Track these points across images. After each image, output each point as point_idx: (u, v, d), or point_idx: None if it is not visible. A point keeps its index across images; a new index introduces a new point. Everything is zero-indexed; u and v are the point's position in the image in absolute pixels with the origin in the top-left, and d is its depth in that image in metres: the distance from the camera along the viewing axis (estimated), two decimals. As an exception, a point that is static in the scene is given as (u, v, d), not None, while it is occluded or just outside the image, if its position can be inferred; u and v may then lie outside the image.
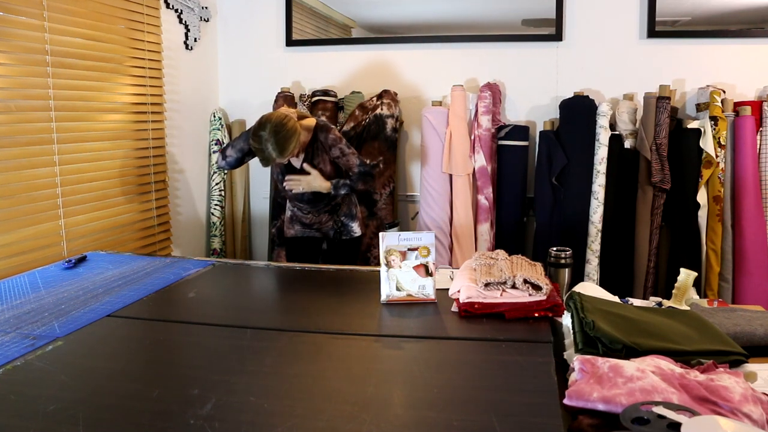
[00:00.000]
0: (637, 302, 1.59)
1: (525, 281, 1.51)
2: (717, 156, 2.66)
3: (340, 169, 2.42)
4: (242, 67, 3.39)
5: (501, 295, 1.50)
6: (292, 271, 2.03)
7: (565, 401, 1.03)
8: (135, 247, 2.69)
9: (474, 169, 2.96)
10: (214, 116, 3.29)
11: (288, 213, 2.61)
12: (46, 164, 2.20)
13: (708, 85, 2.80)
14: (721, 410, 0.95)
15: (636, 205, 2.79)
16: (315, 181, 2.36)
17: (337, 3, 3.23)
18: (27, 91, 2.12)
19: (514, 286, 1.52)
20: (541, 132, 2.95)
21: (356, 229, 2.56)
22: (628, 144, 2.81)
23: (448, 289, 1.66)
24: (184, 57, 3.08)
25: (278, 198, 3.14)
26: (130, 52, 2.63)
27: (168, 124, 2.93)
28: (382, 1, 3.15)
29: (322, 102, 3.15)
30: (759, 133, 2.70)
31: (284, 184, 2.41)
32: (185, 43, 3.07)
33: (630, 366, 1.05)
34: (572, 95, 2.91)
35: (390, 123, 3.05)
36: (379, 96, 3.09)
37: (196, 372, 1.21)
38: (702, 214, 2.72)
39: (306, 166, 2.37)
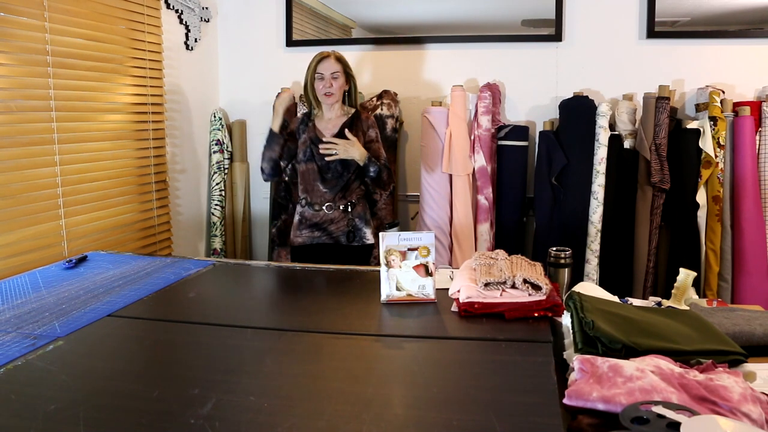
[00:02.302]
0: (636, 302, 1.59)
1: (525, 281, 1.51)
2: (716, 156, 2.67)
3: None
4: (242, 67, 3.39)
5: (501, 294, 1.50)
6: (292, 271, 2.04)
7: (565, 401, 1.03)
8: (135, 247, 2.69)
9: (474, 169, 2.96)
10: (215, 116, 3.30)
11: (296, 217, 2.55)
12: (47, 164, 2.20)
13: (707, 86, 2.80)
14: (721, 410, 0.95)
15: (635, 205, 2.79)
16: (352, 147, 2.39)
17: (337, 3, 3.23)
18: (28, 92, 2.12)
19: (513, 286, 1.52)
20: (540, 132, 2.95)
21: (369, 236, 2.51)
22: (627, 144, 2.81)
23: (448, 289, 1.66)
24: (184, 57, 3.08)
25: (278, 198, 3.14)
26: (131, 53, 2.63)
27: (168, 124, 2.93)
28: (382, 1, 3.16)
29: (322, 102, 3.15)
30: (758, 134, 2.70)
31: (320, 147, 2.40)
32: (186, 43, 3.08)
33: (629, 366, 1.05)
34: (572, 95, 2.91)
35: (390, 123, 3.06)
36: (379, 96, 3.10)
37: (196, 372, 1.21)
38: (701, 214, 2.72)
39: (347, 132, 2.41)
